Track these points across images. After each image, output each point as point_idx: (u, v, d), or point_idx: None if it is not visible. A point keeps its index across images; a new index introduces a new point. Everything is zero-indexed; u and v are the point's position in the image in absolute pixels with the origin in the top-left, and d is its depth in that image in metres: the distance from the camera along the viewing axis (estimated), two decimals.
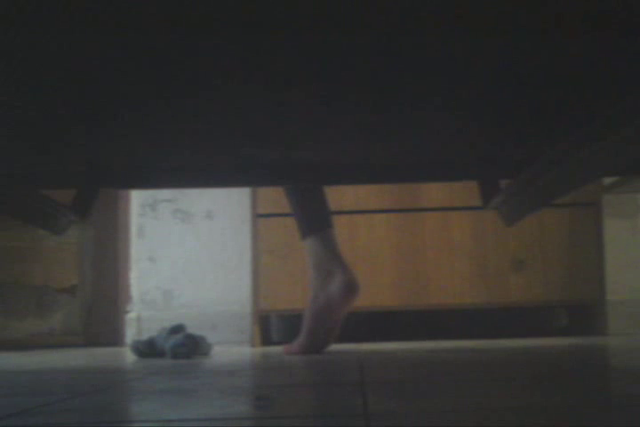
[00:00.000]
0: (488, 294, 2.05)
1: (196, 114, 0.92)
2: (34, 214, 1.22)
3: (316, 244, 1.65)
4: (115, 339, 2.44)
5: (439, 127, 1.02)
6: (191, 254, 2.51)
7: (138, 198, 2.54)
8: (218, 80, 0.79)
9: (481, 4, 0.61)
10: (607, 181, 2.09)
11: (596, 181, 2.03)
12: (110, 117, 0.93)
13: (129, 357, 1.77)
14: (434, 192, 2.09)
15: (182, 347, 1.62)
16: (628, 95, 0.87)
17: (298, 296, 2.06)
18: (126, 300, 2.51)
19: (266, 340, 2.21)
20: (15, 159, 1.16)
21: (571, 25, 0.66)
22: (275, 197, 2.08)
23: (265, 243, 2.11)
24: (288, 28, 0.65)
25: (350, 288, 1.61)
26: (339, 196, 2.09)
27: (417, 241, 2.08)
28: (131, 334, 2.44)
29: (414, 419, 0.64)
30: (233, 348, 2.07)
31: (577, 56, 0.74)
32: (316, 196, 1.70)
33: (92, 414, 0.74)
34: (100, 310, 2.47)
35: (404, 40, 0.69)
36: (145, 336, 1.88)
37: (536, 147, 1.17)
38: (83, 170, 1.24)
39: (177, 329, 1.72)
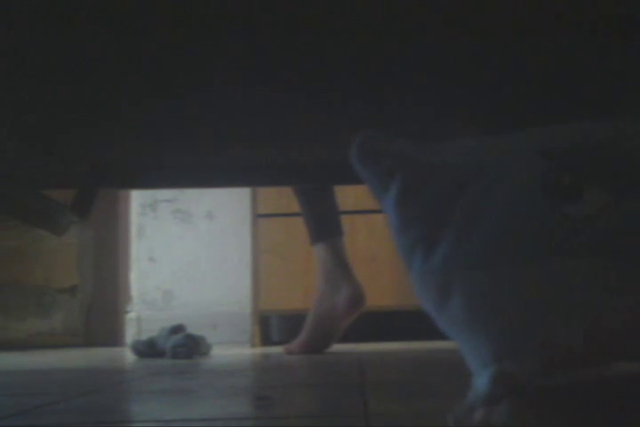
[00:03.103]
0: None
1: (196, 114, 0.92)
2: (34, 214, 1.22)
3: (325, 252, 1.65)
4: (115, 339, 2.44)
5: (439, 127, 1.02)
6: (191, 254, 2.51)
7: (138, 198, 2.54)
8: (218, 80, 0.79)
9: (483, 5, 0.61)
10: None
11: None
12: (110, 117, 0.93)
13: (129, 357, 1.77)
14: None
15: (182, 347, 1.62)
16: (627, 95, 0.87)
17: (298, 296, 2.06)
18: (126, 300, 2.51)
19: (266, 340, 2.21)
20: (15, 159, 1.16)
21: (570, 25, 0.66)
22: (275, 197, 2.08)
23: (265, 243, 2.11)
24: (288, 28, 0.65)
25: (355, 302, 1.62)
26: (339, 196, 2.09)
27: None
28: (131, 334, 2.44)
29: (414, 419, 0.64)
30: (233, 348, 2.07)
31: (577, 56, 0.74)
32: (326, 202, 1.69)
33: (92, 414, 0.74)
34: (100, 310, 2.47)
35: (403, 40, 0.69)
36: (145, 336, 1.88)
37: None
38: (83, 170, 1.24)
39: (177, 329, 1.72)
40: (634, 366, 0.41)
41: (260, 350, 1.92)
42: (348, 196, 2.10)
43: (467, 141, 0.53)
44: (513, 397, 0.42)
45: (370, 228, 2.09)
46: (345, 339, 1.88)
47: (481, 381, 0.45)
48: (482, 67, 0.77)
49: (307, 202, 1.69)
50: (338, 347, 1.84)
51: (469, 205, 0.48)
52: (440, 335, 0.51)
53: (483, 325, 0.46)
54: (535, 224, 0.45)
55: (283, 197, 2.01)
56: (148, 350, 1.70)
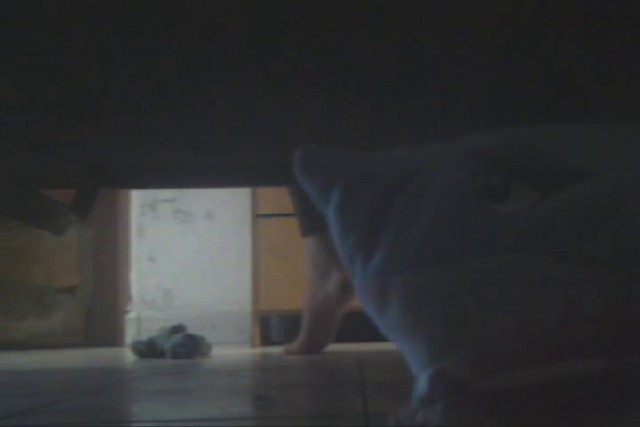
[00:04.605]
0: None
1: (196, 114, 0.92)
2: (34, 214, 1.22)
3: (316, 243, 1.66)
4: (115, 339, 2.44)
5: (439, 127, 1.02)
6: (191, 254, 2.52)
7: (138, 198, 2.54)
8: (218, 80, 0.79)
9: (484, 4, 0.61)
10: None
11: None
12: (110, 117, 0.93)
13: (129, 357, 1.77)
14: None
15: (182, 347, 1.62)
16: (627, 96, 0.87)
17: (298, 296, 2.06)
18: (126, 300, 2.51)
19: (266, 340, 2.21)
20: (15, 159, 1.16)
21: (569, 25, 0.66)
22: (275, 197, 2.08)
23: (265, 243, 2.11)
24: (288, 27, 0.65)
25: (347, 287, 1.62)
26: None
27: None
28: (131, 334, 2.44)
29: None
30: (233, 348, 2.07)
31: (576, 57, 0.74)
32: None
33: (92, 414, 0.74)
34: (100, 310, 2.47)
35: (403, 40, 0.69)
36: (145, 336, 1.88)
37: None
38: (83, 170, 1.24)
39: (177, 329, 1.72)
40: (573, 367, 0.41)
41: (259, 350, 1.92)
42: None
43: (407, 149, 0.54)
44: (450, 397, 0.42)
45: None
46: (345, 339, 1.88)
47: (420, 382, 0.45)
48: (480, 67, 0.77)
49: (298, 196, 1.69)
50: (337, 347, 1.84)
51: (403, 208, 0.48)
52: None
53: (419, 326, 0.46)
54: (463, 223, 0.46)
55: (283, 197, 2.00)
56: (147, 350, 1.70)
